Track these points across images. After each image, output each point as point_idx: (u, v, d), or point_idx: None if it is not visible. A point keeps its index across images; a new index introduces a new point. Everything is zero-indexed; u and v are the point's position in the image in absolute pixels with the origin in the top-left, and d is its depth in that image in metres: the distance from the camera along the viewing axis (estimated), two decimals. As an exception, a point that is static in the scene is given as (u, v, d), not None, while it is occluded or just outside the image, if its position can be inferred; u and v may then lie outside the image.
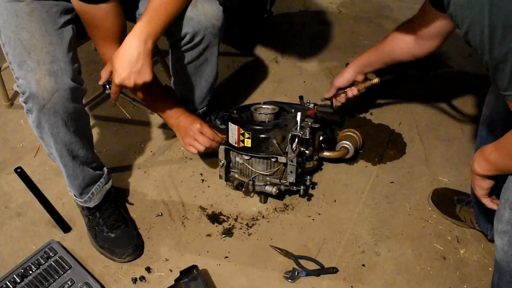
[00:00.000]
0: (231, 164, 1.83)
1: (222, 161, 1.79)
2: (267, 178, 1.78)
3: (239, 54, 2.52)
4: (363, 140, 2.04)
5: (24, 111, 1.44)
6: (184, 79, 1.81)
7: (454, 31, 1.63)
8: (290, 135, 1.68)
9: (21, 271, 1.64)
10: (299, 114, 1.68)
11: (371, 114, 2.21)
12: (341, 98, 1.99)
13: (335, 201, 1.90)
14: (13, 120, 2.19)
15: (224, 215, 1.85)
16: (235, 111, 1.83)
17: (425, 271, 1.69)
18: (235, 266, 1.71)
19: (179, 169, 2.01)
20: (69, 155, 1.53)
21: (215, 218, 1.84)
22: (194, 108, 1.91)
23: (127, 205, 1.88)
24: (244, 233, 1.80)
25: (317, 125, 1.76)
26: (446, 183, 1.95)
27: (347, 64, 2.39)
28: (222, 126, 1.79)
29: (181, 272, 1.56)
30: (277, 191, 1.77)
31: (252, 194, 1.91)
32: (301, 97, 2.00)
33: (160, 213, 1.85)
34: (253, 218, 1.84)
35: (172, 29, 1.57)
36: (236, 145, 1.74)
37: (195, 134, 1.71)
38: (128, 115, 2.14)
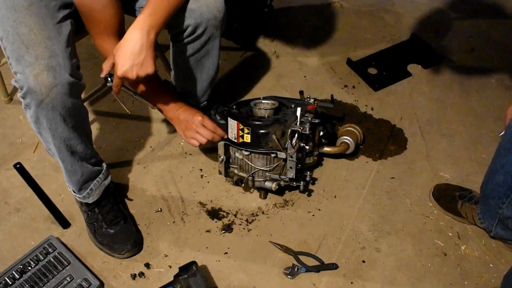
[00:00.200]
0: (230, 160, 1.82)
1: (222, 157, 1.78)
2: (267, 173, 1.77)
3: (239, 49, 2.51)
4: (364, 136, 2.03)
5: (22, 106, 1.42)
6: (185, 72, 1.80)
7: None
8: (290, 130, 1.67)
9: (20, 267, 1.63)
10: (299, 109, 1.67)
11: (372, 109, 2.20)
12: None
13: (335, 196, 1.89)
14: (12, 116, 2.18)
15: (224, 211, 1.85)
16: (234, 106, 1.82)
17: (425, 267, 1.69)
18: (234, 262, 1.70)
19: (178, 164, 2.00)
20: (67, 151, 1.52)
21: (214, 214, 1.84)
22: (195, 102, 1.90)
23: (126, 201, 1.88)
24: (244, 229, 1.79)
25: (317, 120, 1.75)
26: (447, 178, 1.94)
27: (348, 59, 2.39)
28: (222, 121, 1.78)
29: (180, 268, 1.56)
30: (277, 187, 1.76)
31: (251, 190, 1.91)
32: (301, 92, 1.99)
33: (159, 209, 1.85)
34: (252, 214, 1.84)
35: (174, 21, 1.56)
36: (236, 141, 1.74)
37: (197, 126, 1.70)
38: (127, 111, 2.14)
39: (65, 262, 1.66)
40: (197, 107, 1.86)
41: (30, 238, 1.77)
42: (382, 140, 2.08)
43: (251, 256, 1.72)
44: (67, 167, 1.58)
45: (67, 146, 1.51)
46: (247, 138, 1.70)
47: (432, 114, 2.19)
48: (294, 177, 1.73)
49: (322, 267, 1.68)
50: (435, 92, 2.29)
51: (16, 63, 1.37)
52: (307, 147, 1.72)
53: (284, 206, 1.86)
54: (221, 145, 1.77)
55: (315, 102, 1.90)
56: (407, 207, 1.85)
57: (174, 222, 1.81)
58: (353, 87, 2.31)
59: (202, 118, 1.71)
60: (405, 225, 1.80)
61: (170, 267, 1.69)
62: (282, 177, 1.76)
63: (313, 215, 1.83)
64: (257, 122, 1.68)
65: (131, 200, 1.88)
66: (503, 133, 1.55)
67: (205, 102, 1.93)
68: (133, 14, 1.67)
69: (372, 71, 2.38)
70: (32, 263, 1.65)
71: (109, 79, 1.51)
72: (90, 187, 1.67)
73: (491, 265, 1.70)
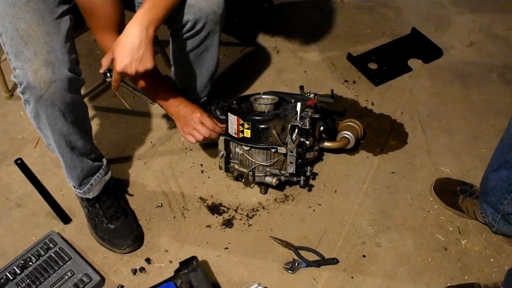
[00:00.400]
0: (231, 155, 1.82)
1: (222, 152, 1.78)
2: (267, 168, 1.77)
3: (239, 44, 2.50)
4: (364, 130, 2.03)
5: (22, 102, 1.43)
6: (185, 68, 1.79)
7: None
8: (290, 125, 1.67)
9: (21, 262, 1.64)
10: (299, 104, 1.67)
11: (373, 104, 2.20)
12: None
13: (335, 191, 1.89)
14: (13, 112, 2.18)
15: (224, 206, 1.85)
16: (234, 102, 1.82)
17: (426, 262, 1.69)
18: (235, 257, 1.71)
19: (179, 160, 2.00)
20: (67, 146, 1.52)
21: (215, 209, 1.84)
22: (195, 97, 1.90)
23: (127, 196, 1.88)
24: (244, 224, 1.79)
25: (317, 115, 1.74)
26: (448, 173, 1.93)
27: (348, 54, 2.38)
28: (222, 117, 1.78)
29: (180, 263, 1.56)
30: (277, 182, 1.76)
31: (252, 185, 1.91)
32: (301, 87, 1.99)
33: (160, 204, 1.85)
34: (253, 209, 1.84)
35: (173, 16, 1.56)
36: (236, 136, 1.73)
37: (195, 123, 1.70)
38: (128, 106, 2.14)
39: (66, 257, 1.66)
40: (197, 102, 1.86)
41: (31, 233, 1.78)
42: (383, 135, 2.08)
43: (251, 251, 1.72)
44: (67, 162, 1.58)
45: (67, 142, 1.51)
46: (247, 133, 1.70)
47: (433, 108, 2.19)
48: (294, 172, 1.73)
49: (322, 262, 1.68)
50: (435, 87, 2.28)
51: (15, 58, 1.37)
52: (307, 142, 1.72)
53: (285, 201, 1.86)
54: (221, 140, 1.77)
55: (316, 97, 1.90)
56: (407, 202, 1.85)
57: (174, 217, 1.82)
58: (354, 82, 2.30)
59: (201, 115, 1.71)
60: (405, 219, 1.80)
61: (171, 262, 1.69)
62: (283, 172, 1.76)
63: (314, 210, 1.83)
64: (257, 117, 1.68)
65: (131, 195, 1.88)
66: None
67: (205, 97, 1.93)
68: (133, 9, 1.66)
69: (373, 66, 2.37)
70: (33, 258, 1.65)
71: (108, 74, 1.51)
72: (90, 183, 1.67)
73: (492, 260, 1.69)
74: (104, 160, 1.73)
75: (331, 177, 1.93)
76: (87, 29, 1.74)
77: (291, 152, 1.68)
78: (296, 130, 1.65)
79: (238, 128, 1.71)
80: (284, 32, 2.57)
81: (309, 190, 1.89)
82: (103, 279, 1.65)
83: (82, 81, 1.47)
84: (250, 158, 1.76)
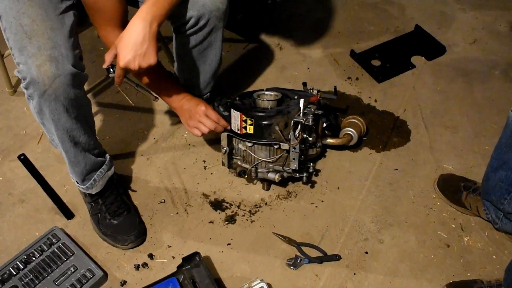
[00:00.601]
0: (233, 151, 1.82)
1: (225, 148, 1.78)
2: (270, 165, 1.77)
3: (242, 41, 2.50)
4: (367, 127, 2.02)
5: (25, 97, 1.43)
6: (188, 64, 1.79)
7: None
8: (293, 121, 1.66)
9: (24, 258, 1.64)
10: (302, 100, 1.67)
11: (375, 101, 2.20)
12: None
13: (338, 188, 1.89)
14: (17, 107, 2.18)
15: (227, 202, 1.85)
16: (237, 98, 1.82)
17: (428, 258, 1.69)
18: (237, 253, 1.71)
19: (182, 156, 2.00)
20: (70, 142, 1.52)
21: (218, 205, 1.84)
22: (198, 94, 1.90)
23: (130, 192, 1.88)
24: (247, 220, 1.80)
25: (320, 112, 1.74)
26: (450, 170, 1.93)
27: (351, 51, 2.38)
28: (225, 113, 1.78)
29: (183, 259, 1.56)
30: (280, 178, 1.76)
31: (255, 181, 1.91)
32: (304, 84, 1.99)
33: (163, 200, 1.85)
34: (256, 205, 1.84)
35: (176, 12, 1.56)
36: (239, 132, 1.73)
37: (200, 116, 1.70)
38: (131, 102, 2.14)
39: (69, 253, 1.66)
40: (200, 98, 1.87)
41: (34, 228, 1.78)
42: (386, 131, 2.08)
43: (254, 247, 1.72)
44: (70, 157, 1.58)
45: (70, 137, 1.51)
46: (250, 130, 1.70)
47: (436, 105, 2.18)
48: (297, 168, 1.73)
49: (325, 258, 1.68)
50: (438, 84, 2.28)
51: (18, 53, 1.37)
52: (310, 139, 1.72)
53: (287, 197, 1.86)
54: (224, 136, 1.77)
55: (319, 93, 1.90)
56: (410, 199, 1.85)
57: (177, 213, 1.82)
58: (357, 78, 2.30)
59: (206, 108, 1.71)
60: (408, 216, 1.80)
61: (174, 258, 1.69)
62: (285, 168, 1.76)
63: (316, 207, 1.83)
64: (260, 114, 1.68)
65: (134, 191, 1.88)
66: None
67: (208, 93, 1.93)
68: (136, 5, 1.66)
69: (376, 63, 2.37)
70: (36, 253, 1.66)
71: (111, 70, 1.51)
72: (93, 178, 1.67)
73: (494, 257, 1.69)
74: (107, 156, 1.73)
75: (333, 174, 1.93)
76: (91, 24, 1.74)
77: (294, 148, 1.68)
78: (299, 126, 1.65)
79: (241, 124, 1.71)
80: (287, 29, 2.56)
81: (312, 186, 1.89)
82: (105, 274, 1.65)
83: (86, 77, 1.47)
84: (253, 154, 1.76)
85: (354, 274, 1.65)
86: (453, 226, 1.77)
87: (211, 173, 1.94)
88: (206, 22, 1.62)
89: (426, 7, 2.69)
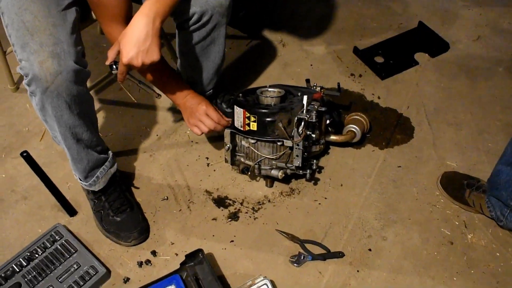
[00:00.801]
0: (237, 148, 1.82)
1: (228, 145, 1.78)
2: (273, 162, 1.77)
3: (245, 37, 2.50)
4: (371, 124, 2.02)
5: (28, 93, 1.43)
6: (191, 60, 1.79)
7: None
8: (296, 118, 1.66)
9: (27, 255, 1.64)
10: (305, 97, 1.66)
11: (379, 97, 2.19)
12: None
13: (341, 185, 1.88)
14: (19, 104, 2.18)
15: (230, 199, 1.85)
16: (240, 95, 1.81)
17: (432, 256, 1.69)
18: (240, 250, 1.71)
19: (185, 153, 2.00)
20: (73, 138, 1.52)
21: (221, 202, 1.84)
22: (201, 90, 1.89)
23: (133, 189, 1.88)
24: (250, 217, 1.79)
25: (323, 109, 1.74)
26: (454, 167, 1.93)
27: (354, 47, 2.37)
28: (228, 110, 1.78)
29: (186, 256, 1.56)
30: (283, 175, 1.76)
31: (258, 178, 1.91)
32: (307, 80, 1.98)
33: (165, 197, 1.85)
34: (259, 202, 1.84)
35: (179, 8, 1.55)
36: (242, 129, 1.73)
37: (201, 115, 1.70)
38: (133, 99, 2.14)
39: (72, 250, 1.66)
40: (203, 95, 1.86)
41: (37, 225, 1.78)
42: (389, 128, 2.07)
43: (257, 244, 1.72)
44: (73, 154, 1.58)
45: (73, 134, 1.51)
46: (253, 126, 1.69)
47: (439, 102, 2.18)
48: (300, 165, 1.73)
49: (328, 255, 1.68)
50: (442, 81, 2.27)
51: (21, 50, 1.37)
52: (313, 135, 1.71)
53: (290, 194, 1.86)
54: (227, 133, 1.77)
55: (322, 90, 1.89)
56: (413, 196, 1.85)
57: (180, 210, 1.82)
58: (360, 75, 2.30)
59: (207, 107, 1.71)
60: (411, 213, 1.80)
61: (177, 255, 1.69)
62: (289, 165, 1.76)
63: (319, 204, 1.83)
64: (263, 110, 1.68)
65: (137, 188, 1.88)
66: None
67: (211, 90, 1.93)
68: (139, 1, 1.66)
69: (379, 59, 2.36)
70: (39, 250, 1.66)
71: (114, 66, 1.50)
72: (96, 175, 1.67)
73: (498, 254, 1.69)
74: (110, 153, 1.73)
75: (337, 171, 1.93)
76: (93, 21, 1.73)
77: (297, 145, 1.68)
78: (303, 123, 1.65)
79: (244, 121, 1.70)
80: (290, 25, 2.56)
81: (315, 183, 1.89)
82: (109, 271, 1.65)
83: (88, 73, 1.47)
84: (256, 151, 1.75)
85: (358, 271, 1.65)
86: (457, 223, 1.77)
87: (214, 170, 1.94)
88: (209, 19, 1.61)
89: (429, 3, 2.68)
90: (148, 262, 1.67)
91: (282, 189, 1.88)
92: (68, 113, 1.44)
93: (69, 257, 1.65)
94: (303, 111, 1.66)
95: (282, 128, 1.65)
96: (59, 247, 1.67)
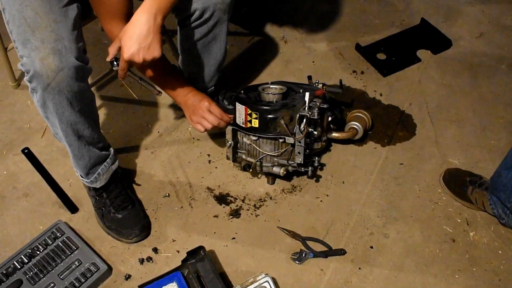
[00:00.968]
0: (238, 145, 1.81)
1: (230, 142, 1.78)
2: (275, 159, 1.76)
3: (247, 34, 2.49)
4: (373, 121, 2.01)
5: (29, 90, 1.42)
6: (193, 57, 1.78)
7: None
8: (298, 115, 1.66)
9: (29, 252, 1.64)
10: (307, 94, 1.66)
11: (381, 95, 2.18)
12: None
13: (343, 182, 1.88)
14: (20, 101, 2.18)
15: (232, 196, 1.84)
16: (242, 91, 1.81)
17: (434, 253, 1.68)
18: (242, 247, 1.70)
19: (186, 150, 2.00)
20: (74, 135, 1.52)
21: (222, 199, 1.84)
22: (202, 87, 1.89)
23: (134, 186, 1.88)
24: (252, 214, 1.79)
25: (325, 106, 1.73)
26: (456, 165, 1.92)
27: (356, 44, 2.37)
28: (230, 107, 1.77)
29: (188, 253, 1.56)
30: (285, 172, 1.75)
31: (259, 175, 1.90)
32: (309, 77, 1.98)
33: (167, 194, 1.85)
34: (260, 199, 1.83)
35: (181, 5, 1.55)
36: (244, 126, 1.73)
37: (203, 112, 1.70)
38: (135, 96, 2.14)
39: (74, 247, 1.66)
40: (204, 92, 1.86)
41: (39, 222, 1.78)
42: (391, 126, 2.06)
43: (258, 241, 1.72)
44: (75, 151, 1.58)
45: (74, 130, 1.50)
46: (255, 123, 1.69)
47: (441, 100, 2.17)
48: (302, 162, 1.72)
49: (330, 252, 1.68)
50: (444, 78, 2.26)
51: (22, 46, 1.36)
52: (315, 132, 1.71)
53: (292, 191, 1.86)
54: (229, 130, 1.76)
55: (324, 87, 1.89)
56: (415, 193, 1.84)
57: (182, 207, 1.82)
58: (362, 72, 2.29)
59: (209, 104, 1.70)
60: (413, 211, 1.79)
61: (178, 252, 1.69)
62: (290, 162, 1.75)
63: (321, 201, 1.83)
64: (265, 107, 1.67)
65: (139, 185, 1.88)
66: None
67: (213, 87, 1.92)
68: (140, -2, 1.66)
69: (381, 56, 2.35)
70: (40, 247, 1.66)
71: (115, 63, 1.50)
72: (97, 172, 1.66)
73: (500, 252, 1.69)
74: (111, 150, 1.72)
75: (339, 168, 1.93)
76: (94, 18, 1.73)
77: (299, 142, 1.68)
78: (304, 120, 1.64)
79: (246, 118, 1.70)
80: (292, 22, 2.55)
81: (317, 180, 1.88)
82: (110, 268, 1.65)
83: (90, 70, 1.47)
84: (258, 148, 1.75)
85: (359, 268, 1.65)
86: (459, 220, 1.76)
87: (216, 167, 1.94)
88: (211, 15, 1.61)
89: (432, 0, 2.67)
90: (149, 259, 1.67)
91: (283, 186, 1.87)
92: (70, 110, 1.43)
93: (70, 254, 1.65)
94: (305, 108, 1.66)
95: (284, 125, 1.65)
96: (60, 244, 1.67)
